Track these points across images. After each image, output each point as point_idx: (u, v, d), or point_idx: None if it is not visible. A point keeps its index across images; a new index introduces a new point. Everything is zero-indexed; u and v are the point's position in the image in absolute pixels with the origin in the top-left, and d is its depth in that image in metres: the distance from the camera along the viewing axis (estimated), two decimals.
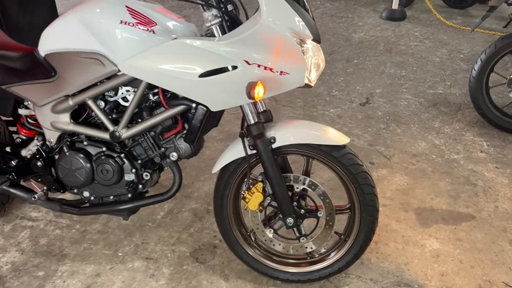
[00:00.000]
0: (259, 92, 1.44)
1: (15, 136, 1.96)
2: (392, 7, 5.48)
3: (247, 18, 1.62)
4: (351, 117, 3.26)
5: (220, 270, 1.96)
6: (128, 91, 1.70)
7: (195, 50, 1.50)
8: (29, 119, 1.86)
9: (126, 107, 1.72)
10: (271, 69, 1.48)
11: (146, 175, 1.80)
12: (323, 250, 1.85)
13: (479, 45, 4.66)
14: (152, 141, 1.74)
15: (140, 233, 2.17)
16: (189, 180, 2.56)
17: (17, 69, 1.72)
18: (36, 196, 1.83)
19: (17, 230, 2.18)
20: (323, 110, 3.35)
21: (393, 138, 2.98)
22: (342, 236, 1.83)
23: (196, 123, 1.65)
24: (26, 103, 1.79)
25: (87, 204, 1.90)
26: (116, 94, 1.70)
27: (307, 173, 1.78)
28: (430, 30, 5.11)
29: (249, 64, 1.48)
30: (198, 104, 1.61)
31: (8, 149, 1.91)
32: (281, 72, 1.49)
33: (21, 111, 1.83)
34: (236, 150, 1.71)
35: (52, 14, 4.02)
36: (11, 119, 2.02)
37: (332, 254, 1.83)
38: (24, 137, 1.91)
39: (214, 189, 1.83)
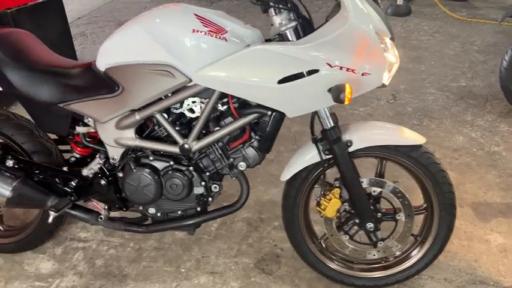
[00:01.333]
0: (348, 94, 1.40)
1: (67, 155, 1.88)
2: (397, 3, 5.49)
3: (311, 20, 1.58)
4: (382, 115, 3.23)
5: (290, 280, 1.91)
6: (193, 102, 1.64)
7: (275, 56, 1.45)
8: (86, 137, 1.79)
9: (191, 119, 1.67)
10: (353, 71, 1.44)
11: (215, 187, 1.74)
12: (398, 253, 1.81)
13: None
14: (220, 151, 1.69)
15: (198, 246, 2.11)
16: (234, 190, 2.49)
17: (77, 85, 1.65)
18: (102, 217, 1.75)
19: (69, 253, 2.10)
20: (352, 110, 3.32)
21: (429, 134, 2.96)
22: (418, 238, 1.79)
23: (272, 131, 1.60)
24: (86, 120, 1.72)
25: (149, 221, 1.84)
26: (181, 106, 1.64)
27: (381, 175, 1.74)
28: (438, 24, 5.13)
29: (331, 67, 1.43)
30: (273, 111, 1.57)
31: (65, 168, 1.83)
32: (363, 73, 1.45)
33: (79, 129, 1.76)
34: (308, 156, 1.66)
35: (64, 27, 3.94)
36: (56, 137, 1.96)
37: (409, 257, 1.79)
38: (78, 156, 1.84)
39: (283, 197, 1.78)
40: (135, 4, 6.43)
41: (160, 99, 1.60)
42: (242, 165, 1.70)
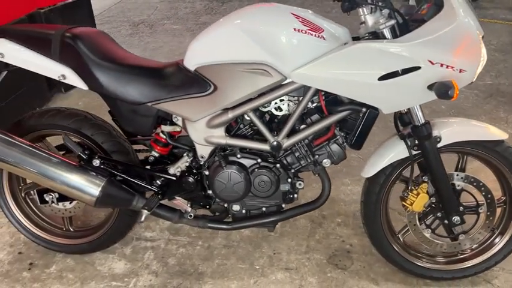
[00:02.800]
0: (457, 91, 1.43)
1: (147, 155, 1.88)
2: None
3: (404, 18, 1.61)
4: None
5: (366, 275, 1.94)
6: (281, 100, 1.66)
7: (378, 53, 1.48)
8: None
9: (277, 117, 1.69)
10: (452, 68, 1.48)
11: (300, 184, 1.77)
12: (475, 245, 1.86)
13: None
14: (306, 149, 1.71)
15: (267, 244, 2.13)
16: None
17: (167, 84, 1.66)
18: (191, 214, 1.76)
19: (139, 252, 2.09)
20: None
21: None
22: (495, 230, 1.84)
23: (366, 127, 1.63)
24: (174, 119, 1.73)
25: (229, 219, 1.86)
26: (269, 104, 1.66)
27: (462, 170, 1.79)
28: None
29: (432, 64, 1.47)
30: (368, 107, 1.60)
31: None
32: (460, 70, 1.49)
33: (165, 128, 1.77)
34: (395, 152, 1.69)
35: (92, 27, 3.91)
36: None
37: (487, 249, 1.84)
38: (157, 155, 1.84)
39: (364, 193, 1.81)
40: (145, 4, 6.41)
41: (256, 97, 1.62)
42: (327, 162, 1.72)
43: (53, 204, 1.89)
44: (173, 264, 2.02)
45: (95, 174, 1.71)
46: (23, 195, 2.02)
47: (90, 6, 3.82)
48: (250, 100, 1.62)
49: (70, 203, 1.92)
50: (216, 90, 1.62)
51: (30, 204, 2.05)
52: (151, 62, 1.77)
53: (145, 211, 1.72)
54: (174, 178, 1.76)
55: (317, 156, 1.72)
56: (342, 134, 1.71)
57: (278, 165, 1.72)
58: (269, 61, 1.54)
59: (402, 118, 1.71)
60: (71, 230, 2.05)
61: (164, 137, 1.79)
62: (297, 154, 1.72)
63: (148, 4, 6.37)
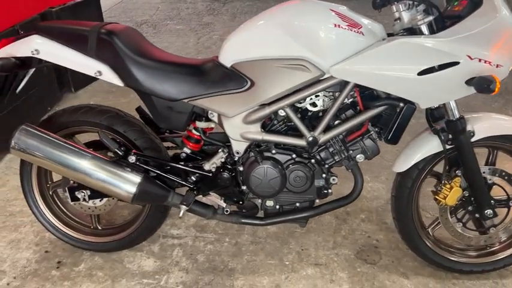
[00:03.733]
0: (499, 85, 1.46)
1: (175, 151, 1.88)
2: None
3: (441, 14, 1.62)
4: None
5: (395, 269, 1.96)
6: (317, 96, 1.68)
7: (418, 48, 1.50)
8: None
9: (311, 112, 1.71)
10: (489, 63, 1.51)
11: (333, 179, 1.78)
12: (503, 238, 1.89)
13: None
14: (340, 144, 1.73)
15: (294, 240, 2.14)
16: None
17: (204, 81, 1.67)
18: (228, 210, 1.77)
19: (167, 249, 2.09)
20: None
21: None
22: None
23: (403, 122, 1.65)
24: (210, 115, 1.73)
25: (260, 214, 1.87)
26: (304, 100, 1.68)
27: (492, 163, 1.81)
28: None
29: (471, 59, 1.50)
30: (405, 102, 1.62)
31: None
32: (497, 65, 1.52)
33: (200, 124, 1.77)
34: (428, 147, 1.72)
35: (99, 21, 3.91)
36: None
37: None
38: (188, 151, 1.84)
39: (396, 188, 1.84)
40: (146, 4, 6.40)
41: (293, 92, 1.63)
42: (360, 158, 1.74)
43: (84, 201, 1.88)
44: (203, 261, 2.02)
45: (130, 170, 1.71)
46: (50, 192, 2.01)
47: (99, 4, 3.81)
48: (287, 96, 1.63)
49: (100, 201, 1.91)
50: (253, 86, 1.63)
51: (58, 202, 2.04)
52: (186, 59, 1.78)
53: (183, 207, 1.72)
54: (210, 174, 1.77)
55: (351, 151, 1.74)
56: (376, 129, 1.73)
57: (313, 160, 1.73)
58: (308, 57, 1.55)
59: (433, 113, 1.73)
60: (99, 228, 2.04)
61: (197, 133, 1.80)
62: (331, 149, 1.74)
63: (149, 4, 6.36)
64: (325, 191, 1.78)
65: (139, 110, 1.98)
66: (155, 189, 1.73)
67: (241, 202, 1.83)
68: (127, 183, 1.68)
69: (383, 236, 2.15)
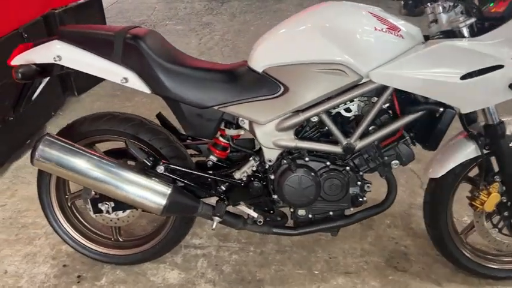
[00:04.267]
0: None
1: (201, 159, 1.81)
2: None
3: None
4: None
5: (427, 276, 1.92)
6: (351, 101, 1.62)
7: (461, 52, 1.45)
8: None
9: (347, 118, 1.65)
10: None
11: (368, 186, 1.73)
12: None
13: None
14: (375, 150, 1.67)
15: (320, 248, 2.08)
16: None
17: (235, 87, 1.61)
18: (261, 220, 1.70)
19: (191, 260, 2.02)
20: None
21: None
22: None
23: (443, 127, 1.60)
24: (241, 123, 1.66)
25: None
26: (338, 105, 1.62)
27: None
28: None
29: None
30: (446, 107, 1.57)
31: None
32: None
33: (229, 132, 1.70)
34: (464, 152, 1.67)
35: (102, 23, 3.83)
36: None
37: None
38: (215, 159, 1.78)
39: (430, 193, 1.79)
40: (142, 4, 6.29)
41: (329, 98, 1.57)
42: (395, 164, 1.69)
43: (107, 214, 1.80)
44: (229, 272, 1.96)
45: (159, 181, 1.64)
46: (69, 204, 1.93)
47: (101, 5, 3.72)
48: (322, 101, 1.58)
49: (123, 212, 1.83)
50: (287, 92, 1.57)
51: (76, 213, 1.96)
52: (215, 64, 1.71)
53: (217, 218, 1.65)
54: (241, 183, 1.70)
55: (386, 157, 1.69)
56: (410, 134, 1.68)
57: (347, 167, 1.68)
58: (347, 61, 1.49)
59: (468, 117, 1.68)
60: (121, 240, 1.96)
61: (225, 140, 1.73)
62: (365, 156, 1.68)
63: (146, 4, 6.24)
64: (360, 199, 1.73)
65: (159, 116, 1.91)
66: (185, 200, 1.66)
67: (271, 212, 1.77)
68: (157, 194, 1.61)
69: (411, 242, 2.10)
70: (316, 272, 1.95)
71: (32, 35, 2.82)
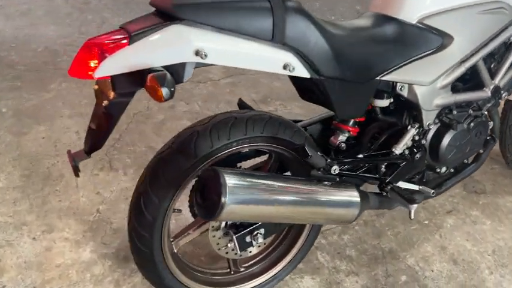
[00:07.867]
0: None
1: (336, 142, 1.49)
2: None
3: None
4: None
5: None
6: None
7: None
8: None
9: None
10: None
11: (491, 123, 1.70)
12: None
13: None
14: None
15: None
16: None
17: (393, 49, 1.33)
18: (434, 192, 1.51)
19: (310, 260, 1.72)
20: None
21: None
22: None
23: None
24: (400, 90, 1.39)
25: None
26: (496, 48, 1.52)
27: None
28: None
29: None
30: None
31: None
32: None
33: (379, 103, 1.42)
34: None
35: None
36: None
37: None
38: (344, 138, 1.48)
39: None
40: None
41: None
42: None
43: (251, 246, 1.37)
44: (357, 255, 1.76)
45: (343, 185, 1.31)
46: (175, 250, 1.39)
47: None
48: (482, 47, 1.44)
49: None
50: (451, 43, 1.37)
51: (184, 260, 1.44)
52: (358, 24, 1.35)
53: (414, 205, 1.42)
54: (405, 158, 1.48)
55: None
56: None
57: (486, 112, 1.62)
58: None
59: None
60: (241, 269, 1.54)
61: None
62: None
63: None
64: (492, 141, 1.69)
65: (241, 103, 1.49)
66: (373, 196, 1.39)
67: (424, 180, 1.61)
68: (349, 200, 1.29)
69: None
70: (426, 222, 1.91)
71: None
